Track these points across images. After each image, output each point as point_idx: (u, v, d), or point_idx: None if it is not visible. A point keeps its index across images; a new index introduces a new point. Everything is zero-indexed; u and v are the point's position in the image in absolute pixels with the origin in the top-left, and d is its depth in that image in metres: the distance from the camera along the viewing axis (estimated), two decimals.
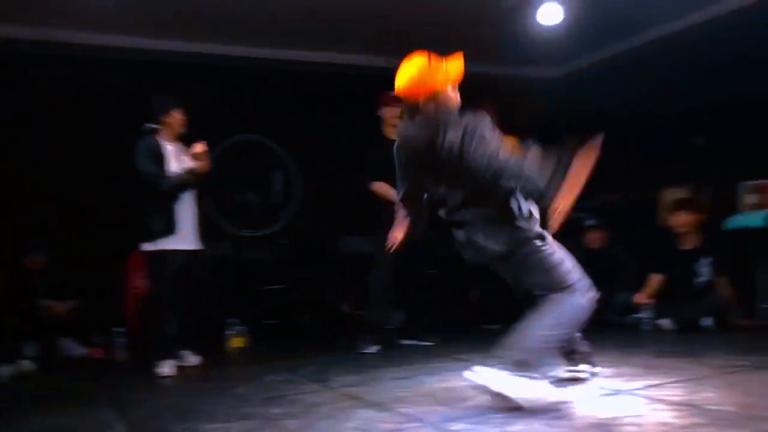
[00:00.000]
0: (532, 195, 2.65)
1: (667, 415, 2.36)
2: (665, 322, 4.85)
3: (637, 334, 4.80)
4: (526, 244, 2.68)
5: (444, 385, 3.19)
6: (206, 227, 4.44)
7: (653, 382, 2.94)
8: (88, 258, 5.52)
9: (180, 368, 4.10)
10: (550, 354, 2.63)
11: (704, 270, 4.92)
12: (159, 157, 4.14)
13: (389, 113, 4.77)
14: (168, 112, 4.24)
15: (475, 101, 5.71)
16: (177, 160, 4.21)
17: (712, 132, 5.94)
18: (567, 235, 2.90)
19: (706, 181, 5.83)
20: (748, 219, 5.19)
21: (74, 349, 5.09)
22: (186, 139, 4.32)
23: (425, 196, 2.97)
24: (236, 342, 5.09)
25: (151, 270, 4.17)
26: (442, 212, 2.86)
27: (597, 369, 3.07)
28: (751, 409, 2.38)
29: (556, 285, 2.67)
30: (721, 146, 5.83)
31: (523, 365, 2.49)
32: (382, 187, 4.68)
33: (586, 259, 5.88)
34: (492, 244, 2.68)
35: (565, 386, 2.96)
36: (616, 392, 2.82)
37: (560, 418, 2.44)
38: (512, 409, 2.48)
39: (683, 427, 2.20)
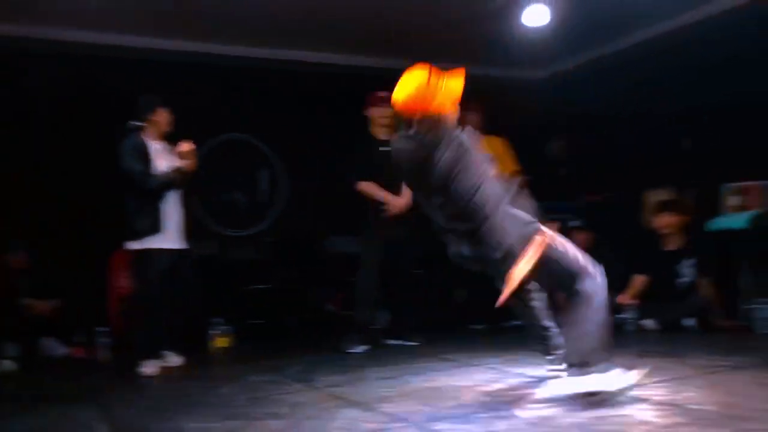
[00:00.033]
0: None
1: (649, 415, 2.38)
2: (649, 323, 4.88)
3: (620, 335, 4.80)
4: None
5: (429, 384, 3.19)
6: (192, 226, 4.42)
7: (636, 382, 2.96)
8: (70, 257, 5.48)
9: (163, 368, 4.07)
10: (602, 344, 2.69)
11: (687, 271, 4.96)
12: (145, 156, 4.11)
13: (377, 113, 4.77)
14: (154, 111, 4.22)
15: (462, 102, 5.74)
16: (163, 159, 4.18)
17: (695, 134, 6.00)
18: None
19: (690, 183, 5.88)
20: (730, 221, 5.24)
21: (56, 348, 5.04)
22: (172, 138, 4.29)
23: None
24: (220, 342, 5.06)
25: (137, 269, 4.14)
26: (439, 218, 2.85)
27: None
28: (732, 409, 2.40)
29: (570, 275, 2.71)
30: (705, 148, 5.89)
31: (586, 366, 2.58)
32: (368, 187, 4.68)
33: None
34: (490, 252, 2.67)
35: (548, 386, 2.99)
36: (600, 391, 2.82)
37: (544, 417, 2.45)
38: (596, 403, 2.51)
39: (665, 426, 2.22)
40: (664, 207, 5.21)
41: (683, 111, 6.01)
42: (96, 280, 5.38)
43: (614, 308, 5.16)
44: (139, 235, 4.06)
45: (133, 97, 4.33)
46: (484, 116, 5.33)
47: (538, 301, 3.16)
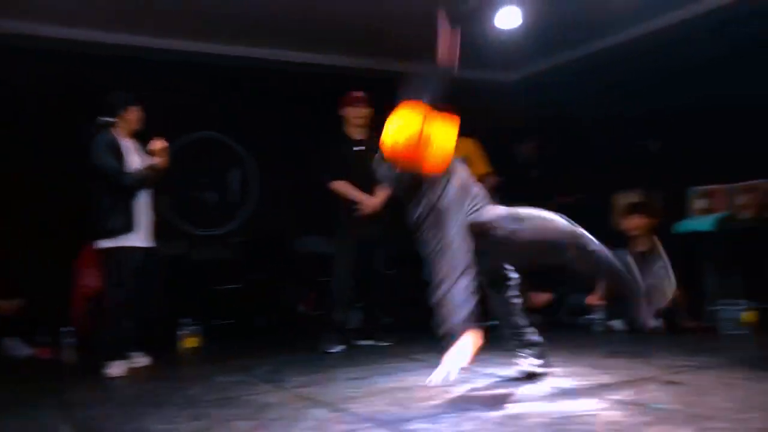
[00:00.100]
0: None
1: (616, 414, 2.40)
2: (616, 323, 4.94)
3: (588, 335, 4.88)
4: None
5: (399, 385, 3.19)
6: (160, 225, 4.37)
7: (604, 382, 2.99)
8: (34, 255, 5.35)
9: (130, 369, 4.01)
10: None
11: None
12: (118, 153, 4.06)
13: (352, 113, 4.77)
14: (126, 108, 4.16)
15: (435, 104, 5.74)
16: (134, 157, 4.14)
17: (664, 137, 6.09)
18: None
19: (658, 186, 5.97)
20: (697, 223, 5.32)
21: (20, 349, 4.93)
22: (142, 136, 4.24)
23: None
24: (189, 342, 5.00)
25: (108, 268, 4.07)
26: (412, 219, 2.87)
27: (547, 362, 3.17)
28: (697, 408, 2.43)
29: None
30: (673, 151, 5.99)
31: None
32: (341, 186, 4.67)
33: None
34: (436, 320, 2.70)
35: (520, 381, 3.01)
36: (567, 392, 2.85)
37: (512, 417, 2.45)
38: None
39: (632, 425, 2.24)
40: (632, 209, 5.28)
41: (652, 114, 6.10)
42: (60, 279, 5.27)
43: (583, 309, 5.23)
44: (111, 234, 4.00)
45: (101, 94, 4.26)
46: (458, 118, 5.34)
47: (517, 298, 3.19)
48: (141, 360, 4.19)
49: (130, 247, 4.04)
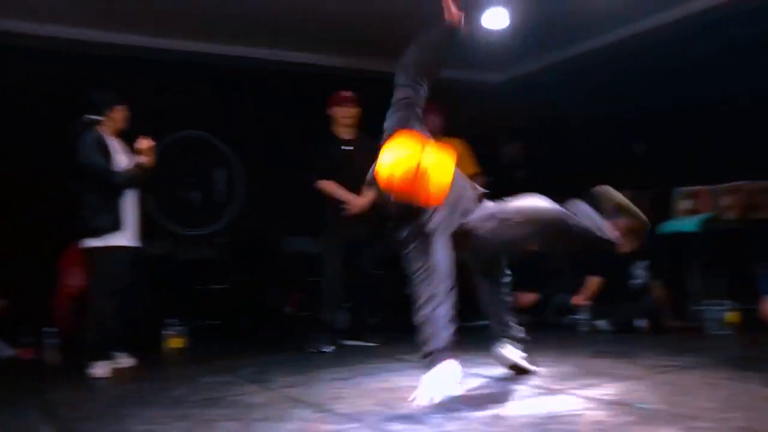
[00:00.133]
0: None
1: (601, 414, 2.41)
2: (602, 324, 4.96)
3: (574, 335, 4.90)
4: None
5: (384, 385, 3.18)
6: (146, 225, 4.34)
7: (589, 382, 3.00)
8: (18, 254, 5.30)
9: (114, 370, 3.98)
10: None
11: (640, 273, 5.06)
12: (106, 151, 4.04)
13: (340, 113, 4.76)
14: (112, 107, 4.13)
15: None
16: (120, 155, 4.13)
17: (650, 138, 6.13)
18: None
19: (644, 187, 5.99)
20: (682, 224, 5.35)
21: (2, 349, 4.88)
22: (126, 134, 4.21)
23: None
24: (174, 342, 4.97)
25: (95, 267, 4.04)
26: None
27: (531, 360, 3.21)
28: (681, 408, 2.44)
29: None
30: (658, 152, 6.02)
31: None
32: (328, 186, 4.66)
33: (527, 261, 6.01)
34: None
35: (505, 381, 3.02)
36: (552, 392, 2.86)
37: (497, 417, 2.46)
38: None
39: (616, 425, 2.25)
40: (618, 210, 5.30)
41: (639, 115, 6.14)
42: (44, 279, 5.22)
43: (568, 309, 5.25)
44: (99, 233, 3.97)
45: (86, 92, 4.23)
46: (445, 118, 5.37)
47: (509, 295, 3.23)
48: (125, 360, 4.16)
49: (117, 247, 4.02)
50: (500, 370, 3.33)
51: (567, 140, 6.71)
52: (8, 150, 5.54)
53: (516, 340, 3.24)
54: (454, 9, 2.78)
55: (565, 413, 2.44)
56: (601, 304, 5.07)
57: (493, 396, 2.82)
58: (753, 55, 5.38)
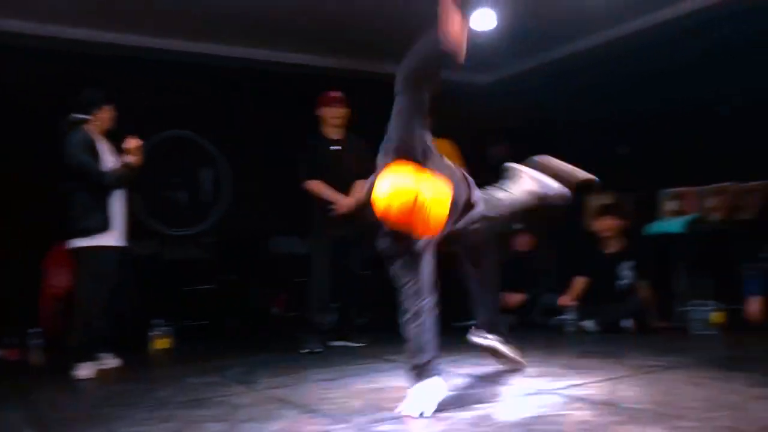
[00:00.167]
0: None
1: (587, 414, 2.41)
2: (588, 324, 4.98)
3: (560, 335, 4.92)
4: None
5: (371, 386, 3.18)
6: (132, 225, 4.31)
7: (575, 382, 3.01)
8: (2, 254, 5.24)
9: (99, 371, 3.95)
10: None
11: (626, 273, 5.08)
12: (95, 151, 4.01)
13: (329, 113, 4.75)
14: (100, 107, 4.11)
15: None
16: (108, 155, 4.10)
17: (636, 140, 6.17)
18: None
19: (629, 188, 6.03)
20: (668, 225, 5.39)
21: None
22: (116, 134, 4.18)
23: None
24: (160, 343, 4.94)
25: (83, 267, 4.00)
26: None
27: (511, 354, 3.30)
28: (666, 407, 2.46)
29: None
30: (644, 154, 6.06)
31: None
32: (316, 186, 4.66)
33: (514, 262, 6.03)
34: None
35: (492, 381, 3.02)
36: (539, 392, 2.87)
37: (483, 417, 2.46)
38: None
39: (602, 425, 2.26)
40: (604, 211, 5.33)
41: (625, 117, 6.18)
42: (28, 279, 5.17)
43: (555, 310, 5.27)
44: (88, 233, 3.95)
45: (69, 91, 4.20)
46: (434, 118, 5.36)
47: (496, 288, 3.30)
48: (111, 361, 4.13)
49: (106, 247, 3.99)
50: (488, 370, 3.35)
51: (553, 141, 6.71)
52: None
53: (500, 333, 3.29)
54: (454, 25, 2.54)
55: (551, 413, 2.45)
56: (587, 304, 5.09)
57: (480, 396, 2.82)
58: (737, 58, 5.43)
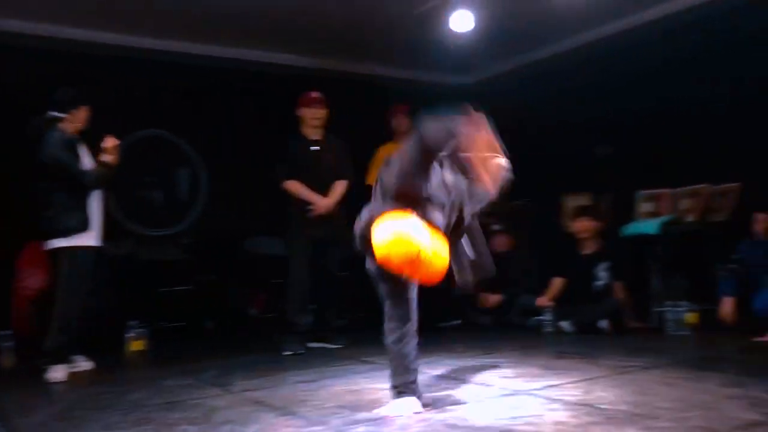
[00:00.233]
0: None
1: (563, 415, 2.43)
2: (565, 324, 5.02)
3: (538, 336, 4.94)
4: None
5: (349, 387, 3.17)
6: (107, 225, 4.26)
7: (552, 383, 3.03)
8: None
9: (72, 373, 3.90)
10: None
11: (603, 274, 5.12)
12: (74, 150, 3.97)
13: (309, 114, 4.73)
14: (77, 106, 4.05)
15: (389, 104, 5.77)
16: (85, 155, 4.06)
17: (613, 142, 6.22)
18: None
19: (606, 189, 6.09)
20: (643, 226, 5.43)
21: None
22: (92, 133, 4.12)
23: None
24: (135, 345, 4.88)
25: (64, 267, 3.94)
26: None
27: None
28: (641, 408, 2.48)
29: None
30: (621, 156, 6.12)
31: None
32: (294, 186, 4.64)
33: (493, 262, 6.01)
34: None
35: (469, 383, 3.02)
36: (516, 393, 2.88)
37: (460, 418, 2.46)
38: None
39: (578, 426, 2.27)
40: (581, 212, 5.37)
41: (602, 119, 6.23)
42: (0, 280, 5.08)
43: (533, 310, 5.30)
44: (68, 232, 3.90)
45: (42, 89, 4.14)
46: (413, 119, 5.37)
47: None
48: (84, 364, 4.08)
49: (85, 247, 3.96)
50: (465, 371, 3.36)
51: (532, 142, 6.77)
52: None
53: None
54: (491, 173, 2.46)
55: (528, 414, 2.46)
56: (564, 305, 5.12)
57: (457, 397, 2.83)
58: (715, 61, 5.49)
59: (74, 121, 4.06)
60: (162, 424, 2.57)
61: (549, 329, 5.04)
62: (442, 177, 2.62)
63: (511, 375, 3.27)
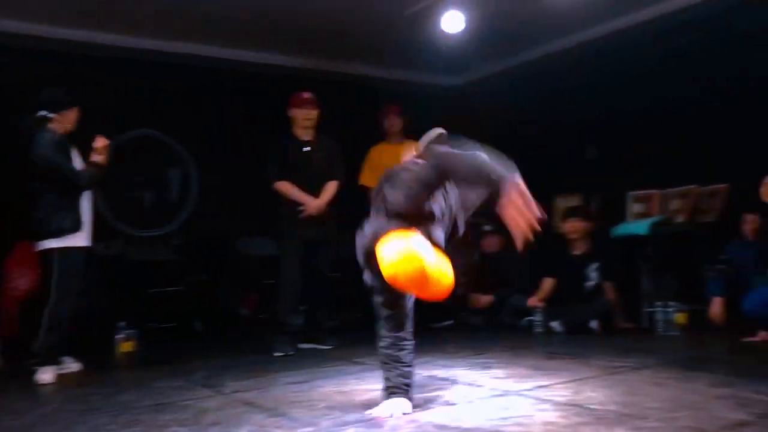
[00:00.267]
0: None
1: (552, 415, 2.44)
2: (556, 325, 5.03)
3: (528, 336, 4.95)
4: None
5: (339, 388, 3.16)
6: (97, 225, 4.24)
7: (542, 383, 3.04)
8: None
9: (61, 375, 3.88)
10: None
11: (593, 275, 5.14)
12: (66, 151, 3.96)
13: (300, 114, 4.73)
14: (67, 107, 4.04)
15: (381, 105, 5.76)
16: (75, 156, 4.05)
17: (603, 143, 6.25)
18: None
19: (597, 190, 6.11)
20: (633, 227, 5.46)
21: None
22: (84, 133, 4.11)
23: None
24: (125, 346, 4.85)
25: (56, 268, 3.90)
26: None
27: None
28: (631, 408, 2.49)
29: None
30: (611, 157, 6.14)
31: None
32: (285, 187, 4.63)
33: (483, 263, 6.06)
34: None
35: (459, 383, 3.03)
36: (506, 393, 2.89)
37: (450, 418, 2.47)
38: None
39: (567, 426, 2.28)
40: (572, 213, 5.39)
41: (592, 120, 6.25)
42: None
43: (524, 310, 5.31)
44: (60, 233, 3.87)
45: (34, 90, 4.11)
46: (405, 120, 5.39)
47: None
48: (72, 365, 4.06)
49: (76, 248, 3.94)
50: (456, 371, 3.36)
51: (522, 143, 6.78)
52: None
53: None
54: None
55: (518, 415, 2.47)
56: (555, 305, 5.14)
57: (447, 398, 2.83)
58: (701, 63, 5.52)
59: (64, 122, 4.04)
60: (151, 426, 2.56)
61: (539, 329, 5.05)
62: (443, 191, 2.62)
63: (501, 375, 3.28)
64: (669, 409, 2.45)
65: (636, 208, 5.79)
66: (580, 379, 3.10)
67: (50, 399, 3.45)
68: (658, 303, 4.83)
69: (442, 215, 2.59)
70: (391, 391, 2.60)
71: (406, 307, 2.65)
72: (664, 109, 5.72)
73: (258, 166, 4.80)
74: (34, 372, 3.76)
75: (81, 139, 4.05)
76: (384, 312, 2.65)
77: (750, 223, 4.58)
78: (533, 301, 5.22)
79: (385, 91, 6.55)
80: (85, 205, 4.04)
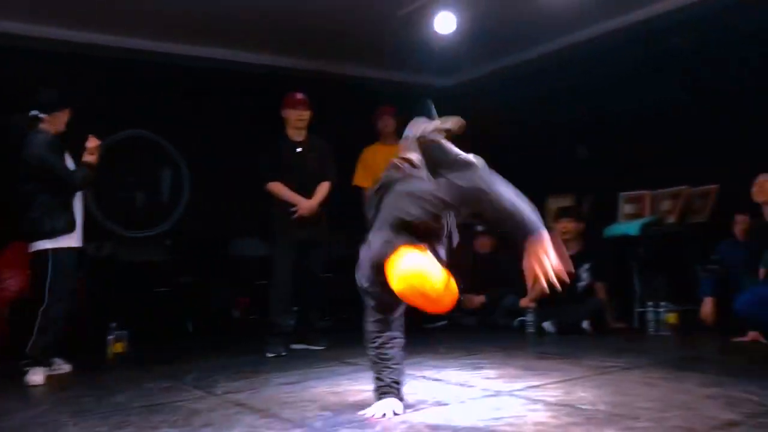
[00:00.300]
0: None
1: (543, 415, 2.44)
2: (547, 325, 5.04)
3: (520, 337, 4.97)
4: None
5: (331, 389, 3.16)
6: (88, 226, 4.23)
7: (533, 383, 3.05)
8: None
9: (51, 376, 3.86)
10: None
11: (584, 275, 5.16)
12: (60, 151, 3.95)
13: (293, 115, 4.72)
14: (59, 107, 4.03)
15: (374, 106, 5.77)
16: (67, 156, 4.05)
17: (595, 143, 6.27)
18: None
19: (588, 191, 6.13)
20: (625, 227, 5.48)
21: None
22: (74, 134, 4.09)
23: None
24: (116, 347, 4.83)
25: (49, 269, 3.89)
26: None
27: None
28: (621, 408, 2.50)
29: None
30: (603, 157, 6.16)
31: None
32: (277, 188, 4.62)
33: (476, 263, 6.07)
34: None
35: (450, 384, 3.03)
36: (497, 393, 2.89)
37: (442, 418, 2.47)
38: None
39: (558, 426, 2.29)
40: (563, 213, 5.41)
41: (583, 121, 6.27)
42: None
43: (517, 311, 5.32)
44: (53, 234, 3.87)
45: (26, 90, 4.10)
46: (399, 121, 5.38)
47: None
48: (63, 366, 4.05)
49: (69, 248, 3.93)
50: (447, 372, 3.36)
51: (514, 144, 6.80)
52: None
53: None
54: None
55: (509, 415, 2.47)
56: (547, 306, 5.15)
57: (439, 398, 2.83)
58: (691, 64, 5.55)
59: (55, 122, 4.03)
60: (143, 427, 2.55)
61: (532, 330, 5.06)
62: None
63: (493, 376, 3.29)
64: (659, 408, 2.46)
65: (627, 208, 5.81)
66: (571, 380, 3.11)
67: (41, 400, 3.43)
68: (650, 303, 4.86)
69: (445, 232, 2.61)
70: (382, 391, 2.60)
71: (398, 312, 2.66)
72: (655, 110, 5.75)
73: (250, 166, 4.79)
74: (24, 373, 3.75)
75: (74, 139, 4.03)
76: (375, 315, 2.65)
77: (740, 223, 4.61)
78: (525, 302, 5.23)
79: (379, 91, 6.55)
80: (77, 205, 4.04)
